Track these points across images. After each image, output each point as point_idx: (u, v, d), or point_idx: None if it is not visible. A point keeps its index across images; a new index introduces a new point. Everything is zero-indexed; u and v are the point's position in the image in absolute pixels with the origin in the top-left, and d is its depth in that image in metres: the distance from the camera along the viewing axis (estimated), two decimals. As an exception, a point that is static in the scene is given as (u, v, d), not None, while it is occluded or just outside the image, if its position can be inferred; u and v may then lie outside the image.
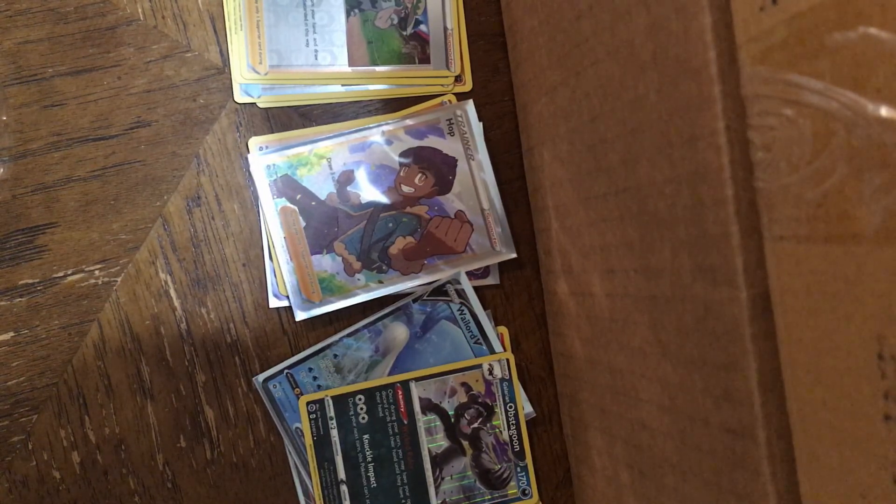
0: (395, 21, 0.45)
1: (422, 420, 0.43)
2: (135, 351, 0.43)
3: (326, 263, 0.43)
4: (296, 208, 0.43)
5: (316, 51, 0.44)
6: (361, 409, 0.42)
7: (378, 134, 0.44)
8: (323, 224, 0.43)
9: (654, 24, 0.28)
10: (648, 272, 0.32)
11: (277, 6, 0.44)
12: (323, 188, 0.44)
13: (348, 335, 0.44)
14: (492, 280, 0.46)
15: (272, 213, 0.43)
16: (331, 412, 0.42)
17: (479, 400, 0.43)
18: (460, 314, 0.44)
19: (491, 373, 0.43)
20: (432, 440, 0.43)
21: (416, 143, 0.44)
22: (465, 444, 0.43)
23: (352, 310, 0.44)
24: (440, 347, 0.44)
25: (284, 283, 0.43)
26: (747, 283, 0.26)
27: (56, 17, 0.43)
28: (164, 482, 0.43)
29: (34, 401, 0.43)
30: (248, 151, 0.44)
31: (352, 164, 0.44)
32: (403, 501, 0.42)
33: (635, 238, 0.32)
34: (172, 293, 0.44)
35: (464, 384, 0.43)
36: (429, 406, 0.43)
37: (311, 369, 0.43)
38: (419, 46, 0.45)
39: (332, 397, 0.42)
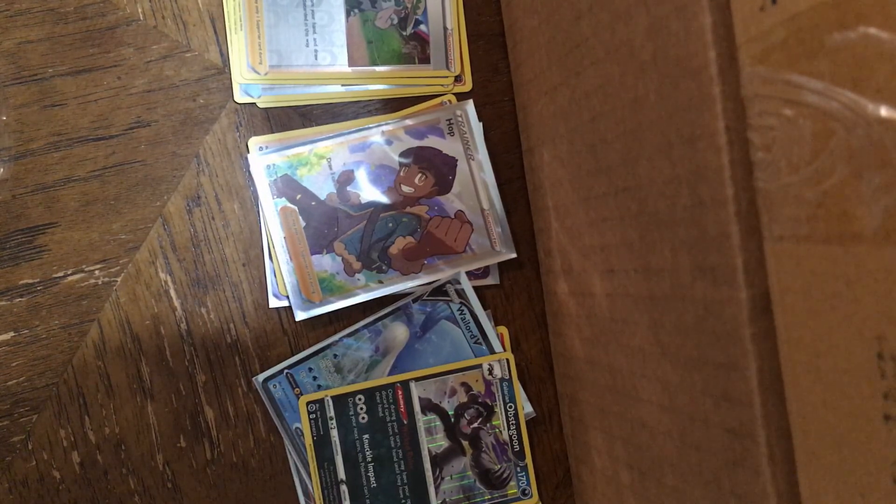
0: (395, 21, 0.45)
1: (422, 420, 0.43)
2: (135, 351, 0.43)
3: (326, 263, 0.43)
4: (296, 208, 0.43)
5: (316, 51, 0.44)
6: (361, 409, 0.42)
7: (378, 134, 0.44)
8: (323, 224, 0.43)
9: (654, 24, 0.28)
10: (648, 272, 0.32)
11: (277, 6, 0.44)
12: (323, 188, 0.43)
13: (348, 335, 0.44)
14: (492, 280, 0.46)
15: (272, 213, 0.43)
16: (331, 412, 0.42)
17: (479, 400, 0.43)
18: (460, 314, 0.44)
19: (491, 373, 0.43)
20: (432, 440, 0.43)
21: (416, 143, 0.44)
22: (465, 443, 0.43)
23: (352, 310, 0.44)
24: (440, 347, 0.44)
25: (284, 283, 0.43)
26: (747, 283, 0.26)
27: (56, 17, 0.43)
28: (164, 482, 0.43)
29: (34, 401, 0.43)
30: (248, 151, 0.44)
31: (352, 164, 0.44)
32: (403, 501, 0.42)
33: (635, 238, 0.32)
34: (172, 293, 0.44)
35: (464, 384, 0.43)
36: (429, 406, 0.43)
37: (311, 369, 0.43)
38: (419, 46, 0.45)
39: (332, 397, 0.42)
